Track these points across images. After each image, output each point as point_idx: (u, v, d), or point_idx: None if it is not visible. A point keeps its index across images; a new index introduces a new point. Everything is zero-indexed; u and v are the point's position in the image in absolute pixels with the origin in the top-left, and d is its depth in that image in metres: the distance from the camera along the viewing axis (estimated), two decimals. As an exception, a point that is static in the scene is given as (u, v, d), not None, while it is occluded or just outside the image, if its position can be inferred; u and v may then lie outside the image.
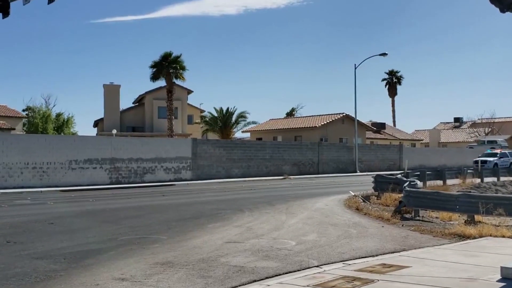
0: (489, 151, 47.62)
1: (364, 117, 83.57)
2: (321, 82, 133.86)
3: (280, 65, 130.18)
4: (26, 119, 56.59)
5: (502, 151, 47.13)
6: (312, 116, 56.95)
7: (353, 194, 20.29)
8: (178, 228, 12.13)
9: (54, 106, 76.31)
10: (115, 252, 9.07)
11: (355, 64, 46.23)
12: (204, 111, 59.77)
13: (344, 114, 53.31)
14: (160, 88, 50.89)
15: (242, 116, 51.56)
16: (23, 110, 60.06)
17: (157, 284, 6.72)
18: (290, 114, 78.40)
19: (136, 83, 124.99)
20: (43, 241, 10.28)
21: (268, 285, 6.62)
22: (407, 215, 14.43)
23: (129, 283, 6.76)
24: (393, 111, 79.88)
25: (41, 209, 17.19)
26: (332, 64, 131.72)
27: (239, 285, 6.75)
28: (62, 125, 57.66)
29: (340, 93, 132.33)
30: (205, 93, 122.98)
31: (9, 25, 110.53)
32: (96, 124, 58.61)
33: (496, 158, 44.21)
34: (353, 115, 48.87)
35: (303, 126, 53.22)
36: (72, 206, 18.31)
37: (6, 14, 18.63)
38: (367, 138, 58.89)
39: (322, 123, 51.62)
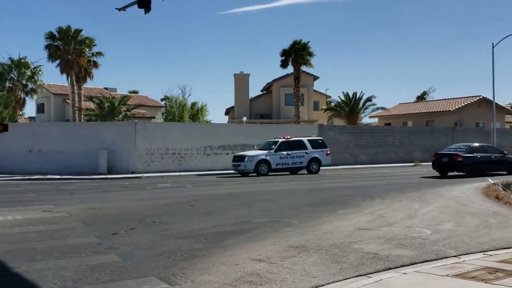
0: (271, 140, 29.02)
1: (503, 100, 77.46)
2: (454, 63, 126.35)
3: (410, 46, 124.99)
4: (165, 108, 60.54)
5: (294, 139, 28.43)
6: (445, 99, 54.04)
7: (492, 182, 19.04)
8: (309, 213, 12.32)
9: (189, 95, 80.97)
10: (251, 234, 9.49)
11: (492, 43, 42.95)
12: (330, 97, 59.50)
13: (480, 97, 49.89)
14: (287, 75, 51.53)
15: (369, 100, 50.51)
16: (162, 100, 64.31)
17: (292, 267, 6.94)
18: (421, 97, 75.17)
19: (264, 71, 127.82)
20: (185, 221, 11.04)
21: (405, 273, 6.54)
22: (556, 206, 13.27)
23: (266, 264, 7.06)
24: (537, 92, 73.03)
25: (181, 192, 18.43)
26: (466, 43, 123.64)
27: (374, 272, 6.74)
28: (196, 113, 60.89)
29: (476, 74, 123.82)
30: (331, 79, 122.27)
31: (149, 20, 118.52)
32: (228, 112, 61.01)
33: (266, 153, 27.21)
34: (491, 98, 45.54)
35: (436, 110, 50.75)
36: (208, 189, 19.39)
37: (147, 9, 20.01)
38: (507, 122, 54.63)
39: (456, 107, 48.82)
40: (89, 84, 49.24)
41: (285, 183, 21.90)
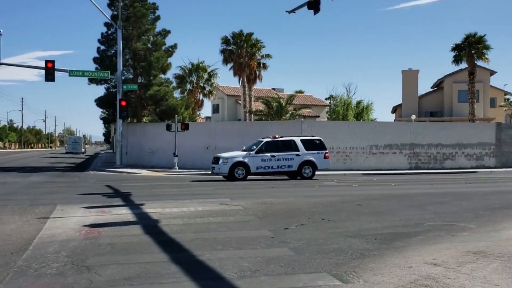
0: (259, 140, 25.00)
1: None
2: None
3: None
4: (329, 107, 60.93)
5: (282, 139, 24.49)
6: None
7: None
8: (486, 217, 11.54)
9: (354, 94, 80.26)
10: (424, 237, 9.18)
11: None
12: (509, 93, 54.78)
13: None
14: (460, 70, 48.56)
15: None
16: (326, 99, 64.77)
17: (471, 273, 6.59)
18: None
19: (434, 67, 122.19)
20: (353, 220, 11.05)
21: None
22: None
23: (442, 269, 6.79)
24: None
25: (347, 190, 18.47)
26: None
27: None
28: (361, 112, 60.22)
29: None
30: (510, 73, 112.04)
31: (314, 20, 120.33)
32: (394, 110, 59.38)
33: (245, 154, 23.69)
34: None
35: None
36: (375, 189, 19.13)
37: (317, 10, 20.37)
38: None
39: None
40: (258, 85, 51.59)
41: (459, 185, 20.68)
